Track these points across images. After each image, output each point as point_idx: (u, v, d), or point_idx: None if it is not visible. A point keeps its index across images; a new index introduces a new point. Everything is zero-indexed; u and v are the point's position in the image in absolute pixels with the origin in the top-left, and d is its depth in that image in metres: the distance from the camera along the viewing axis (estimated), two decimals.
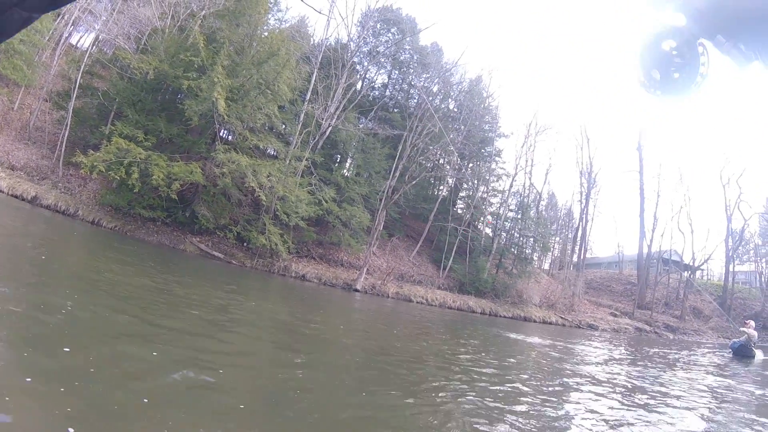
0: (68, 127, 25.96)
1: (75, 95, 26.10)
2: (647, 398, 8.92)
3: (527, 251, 44.58)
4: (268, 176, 25.12)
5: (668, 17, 1.13)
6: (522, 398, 7.60)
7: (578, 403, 7.95)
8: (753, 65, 1.07)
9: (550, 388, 8.88)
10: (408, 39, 42.61)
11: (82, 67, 26.72)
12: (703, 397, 10.19)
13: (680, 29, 1.12)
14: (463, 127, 41.18)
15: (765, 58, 1.05)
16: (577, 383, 9.91)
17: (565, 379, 10.24)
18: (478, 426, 5.52)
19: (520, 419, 6.14)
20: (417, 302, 30.18)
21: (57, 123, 28.28)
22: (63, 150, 25.41)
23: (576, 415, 7.02)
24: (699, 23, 1.08)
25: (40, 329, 5.41)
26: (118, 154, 21.53)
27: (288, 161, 28.21)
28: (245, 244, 26.23)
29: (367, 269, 30.26)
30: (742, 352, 21.93)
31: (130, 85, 25.98)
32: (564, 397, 8.26)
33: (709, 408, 8.90)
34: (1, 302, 5.98)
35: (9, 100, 29.08)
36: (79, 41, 40.84)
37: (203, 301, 10.67)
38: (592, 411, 7.30)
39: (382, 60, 43.14)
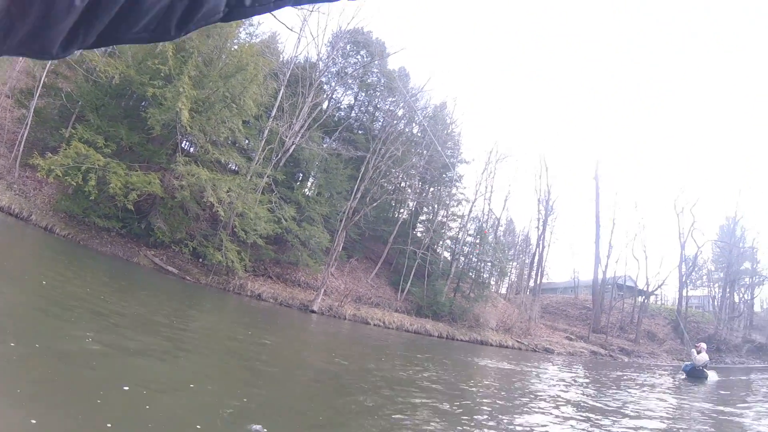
0: (28, 127, 25.30)
1: (38, 94, 25.51)
2: (605, 419, 9.12)
3: (485, 276, 45.18)
4: (228, 191, 24.89)
5: None
6: (489, 422, 7.65)
7: (539, 424, 8.06)
8: None
9: (511, 410, 8.99)
10: (376, 62, 42.96)
11: (48, 65, 26.17)
12: (658, 416, 10.45)
13: None
14: (425, 151, 41.63)
15: None
16: (537, 404, 10.09)
17: (525, 401, 10.38)
18: None
19: None
20: (374, 324, 30.13)
21: (17, 121, 27.53)
22: (21, 150, 24.70)
23: None
24: None
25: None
26: (76, 159, 21.10)
27: (249, 177, 28.02)
28: (201, 260, 25.85)
29: (325, 290, 30.10)
30: (695, 374, 22.56)
31: (95, 88, 25.59)
32: (525, 418, 8.36)
33: (661, 428, 9.12)
34: None
35: None
36: None
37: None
38: None
39: (350, 81, 43.39)
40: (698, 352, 23.27)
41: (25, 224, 21.70)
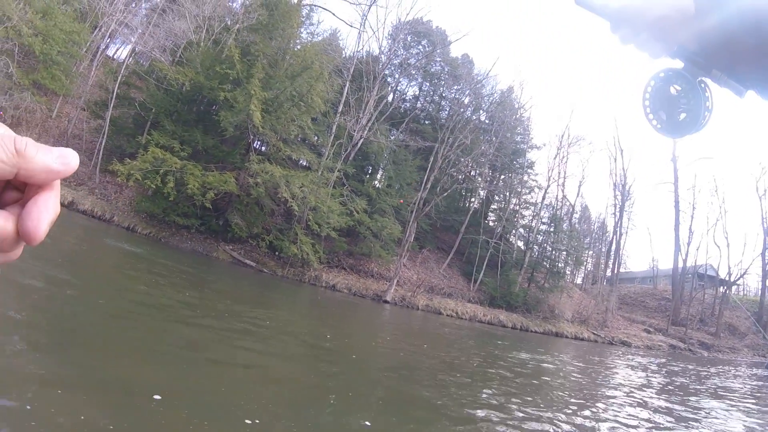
0: (105, 136, 26.40)
1: (112, 105, 26.53)
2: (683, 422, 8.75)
3: (559, 265, 43.80)
4: (301, 187, 25.25)
5: (667, 64, 1.20)
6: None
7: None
8: (748, 94, 1.15)
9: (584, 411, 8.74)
10: (438, 51, 42.82)
11: (119, 77, 27.16)
12: (736, 416, 9.99)
13: (680, 72, 1.18)
14: (494, 138, 40.97)
15: (757, 88, 1.13)
16: (612, 399, 9.74)
17: (598, 397, 10.06)
18: None
19: None
20: (447, 315, 29.92)
21: (94, 131, 28.67)
22: (100, 157, 25.79)
23: None
24: (696, 64, 1.15)
25: None
26: (154, 163, 21.90)
27: (320, 172, 28.36)
28: (277, 253, 26.35)
29: (398, 281, 30.10)
30: None
31: (167, 96, 26.38)
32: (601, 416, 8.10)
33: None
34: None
35: (48, 108, 29.47)
36: (115, 53, 41.77)
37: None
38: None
39: (413, 72, 43.40)
40: None
41: (108, 225, 22.70)
